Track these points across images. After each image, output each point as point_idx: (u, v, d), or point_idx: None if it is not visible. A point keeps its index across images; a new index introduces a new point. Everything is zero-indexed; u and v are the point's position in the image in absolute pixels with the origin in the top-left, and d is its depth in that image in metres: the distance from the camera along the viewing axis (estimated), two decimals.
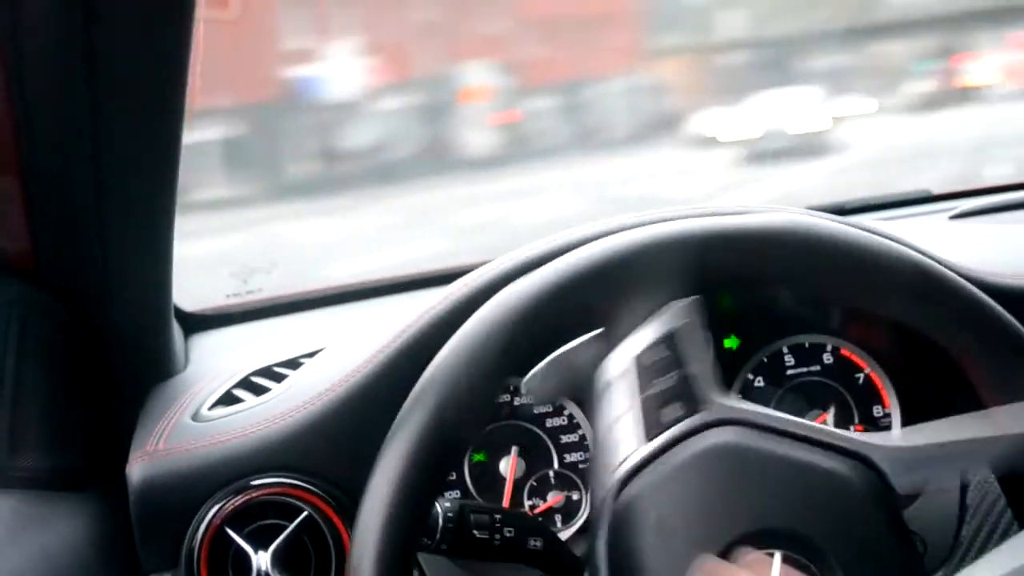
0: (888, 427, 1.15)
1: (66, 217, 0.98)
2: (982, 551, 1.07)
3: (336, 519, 0.99)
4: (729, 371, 1.16)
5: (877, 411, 1.15)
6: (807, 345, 1.17)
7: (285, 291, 1.51)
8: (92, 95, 0.89)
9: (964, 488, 1.09)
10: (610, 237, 0.84)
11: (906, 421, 1.14)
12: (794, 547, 0.71)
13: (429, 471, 0.77)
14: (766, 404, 1.16)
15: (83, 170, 0.95)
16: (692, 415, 0.77)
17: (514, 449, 1.12)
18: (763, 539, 0.71)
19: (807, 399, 1.16)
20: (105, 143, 0.93)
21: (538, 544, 0.97)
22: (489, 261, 1.03)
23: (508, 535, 0.96)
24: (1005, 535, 1.06)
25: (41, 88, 0.87)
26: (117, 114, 0.92)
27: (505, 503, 1.11)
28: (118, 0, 0.84)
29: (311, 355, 1.14)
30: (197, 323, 1.38)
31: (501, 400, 1.14)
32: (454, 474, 1.11)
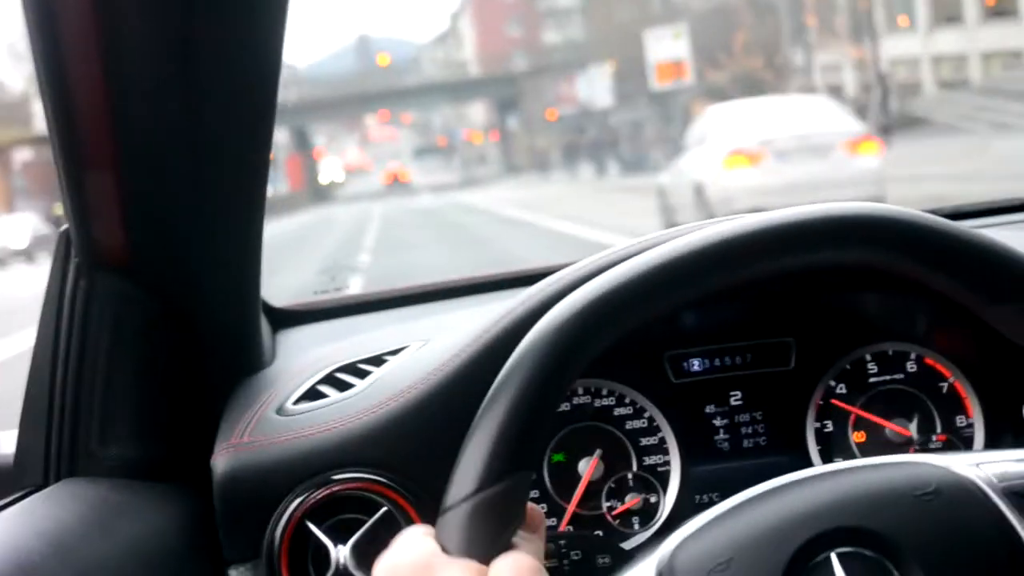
0: (971, 437, 1.12)
1: (160, 213, 1.00)
2: None
3: (414, 514, 1.00)
4: (810, 378, 1.14)
5: (960, 421, 1.13)
6: (891, 353, 1.15)
7: (371, 289, 1.53)
8: (187, 91, 0.91)
9: None
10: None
11: (989, 431, 1.12)
12: (866, 544, 0.67)
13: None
14: (847, 411, 1.14)
15: (178, 166, 0.97)
16: None
17: (597, 451, 1.12)
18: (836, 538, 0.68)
19: (890, 407, 1.13)
20: (199, 139, 0.95)
21: (607, 560, 0.97)
22: (572, 263, 1.03)
23: (575, 558, 0.96)
24: None
25: (138, 84, 0.89)
26: (211, 110, 0.94)
27: (574, 503, 1.10)
28: None
29: (395, 352, 1.14)
30: (285, 318, 1.40)
31: (582, 402, 1.14)
32: (533, 475, 1.11)
